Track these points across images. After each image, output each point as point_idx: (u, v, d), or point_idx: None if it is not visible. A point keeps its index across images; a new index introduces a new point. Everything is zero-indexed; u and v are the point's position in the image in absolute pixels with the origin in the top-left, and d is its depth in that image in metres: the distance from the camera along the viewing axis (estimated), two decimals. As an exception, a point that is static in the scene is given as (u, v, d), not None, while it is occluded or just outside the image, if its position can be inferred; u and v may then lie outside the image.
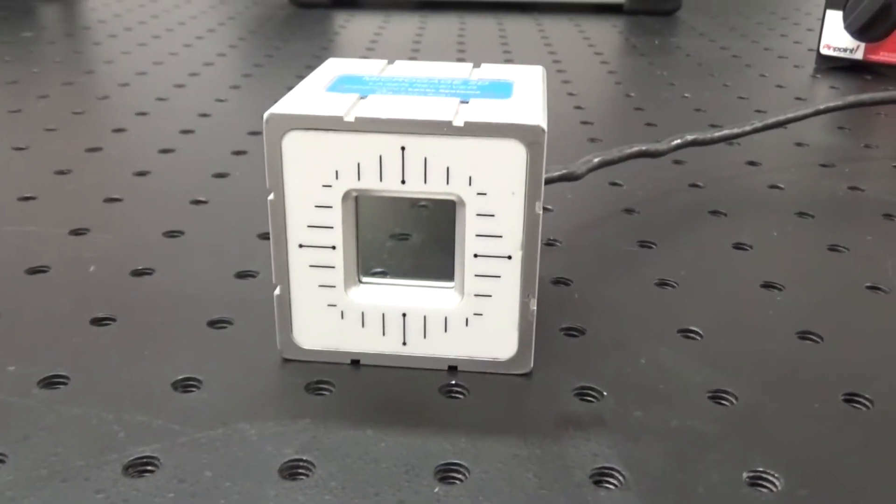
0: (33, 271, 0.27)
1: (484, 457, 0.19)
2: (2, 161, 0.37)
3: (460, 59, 0.59)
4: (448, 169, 0.20)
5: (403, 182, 0.21)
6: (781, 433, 0.20)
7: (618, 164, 0.33)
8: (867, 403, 0.21)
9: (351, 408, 0.21)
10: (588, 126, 0.44)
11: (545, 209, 0.33)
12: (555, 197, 0.33)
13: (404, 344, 0.22)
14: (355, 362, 0.23)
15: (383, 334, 0.22)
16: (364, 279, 0.22)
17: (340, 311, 0.22)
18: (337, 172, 0.21)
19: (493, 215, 0.21)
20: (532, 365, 0.22)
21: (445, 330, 0.22)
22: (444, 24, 0.71)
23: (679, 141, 0.34)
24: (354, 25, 0.71)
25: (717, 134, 0.36)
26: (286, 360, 0.23)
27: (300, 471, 0.19)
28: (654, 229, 0.31)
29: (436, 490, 0.18)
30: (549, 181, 0.29)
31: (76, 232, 0.30)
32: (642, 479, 0.19)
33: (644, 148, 0.33)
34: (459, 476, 0.19)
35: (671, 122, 0.45)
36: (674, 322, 0.25)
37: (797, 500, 0.18)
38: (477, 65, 0.26)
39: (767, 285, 0.27)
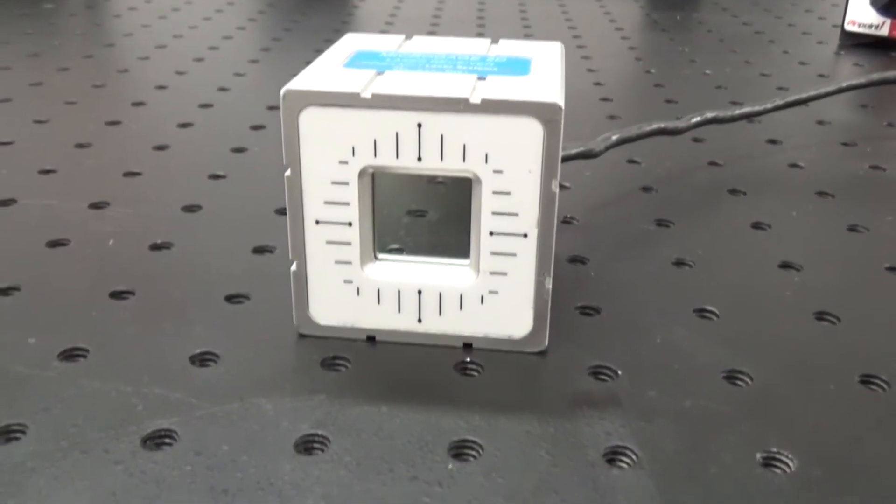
0: (53, 244, 0.27)
1: (498, 434, 0.19)
2: (23, 134, 0.37)
3: (479, 35, 0.58)
4: (464, 146, 0.20)
5: (420, 159, 0.21)
6: (796, 414, 0.20)
7: (636, 142, 0.33)
8: (883, 385, 0.21)
9: (366, 384, 0.21)
10: (607, 103, 0.44)
11: (562, 187, 0.33)
12: (573, 174, 0.33)
13: (419, 321, 0.22)
14: (371, 339, 0.23)
15: (399, 311, 0.22)
16: (380, 256, 0.22)
17: (356, 287, 0.22)
18: (353, 149, 0.21)
19: (509, 193, 0.21)
20: (547, 343, 0.22)
21: (461, 307, 0.22)
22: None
23: (699, 118, 0.34)
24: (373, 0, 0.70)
25: (738, 111, 0.36)
26: (302, 336, 0.23)
27: (315, 445, 0.19)
28: (671, 208, 0.31)
29: (449, 466, 0.18)
30: (566, 158, 0.29)
31: (96, 206, 0.30)
32: (655, 458, 0.19)
33: (663, 125, 0.33)
34: (473, 453, 0.19)
35: (691, 99, 0.44)
36: (690, 301, 0.25)
37: (811, 481, 0.18)
38: (495, 41, 0.25)
39: (785, 265, 0.27)
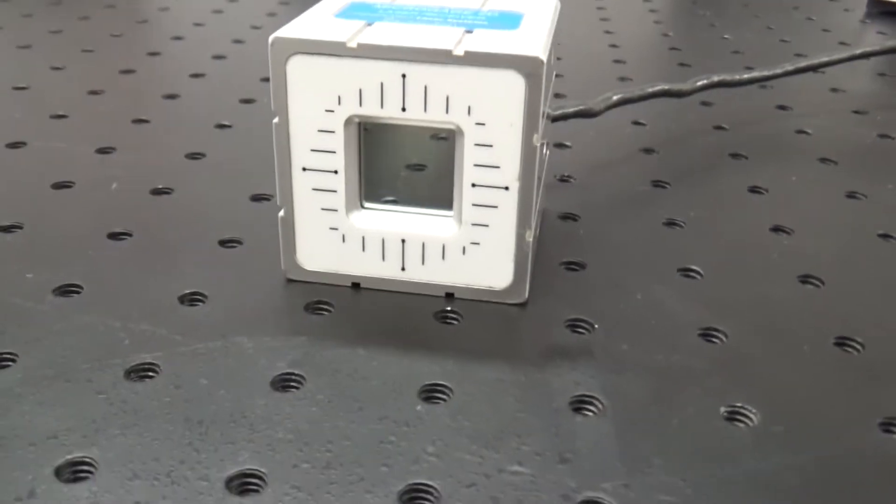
0: (59, 186, 0.28)
1: (469, 380, 0.20)
2: (39, 79, 0.38)
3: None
4: (447, 98, 0.21)
5: (404, 109, 0.21)
6: (765, 372, 0.20)
7: (643, 104, 0.33)
8: (858, 348, 0.22)
9: (347, 328, 0.22)
10: (620, 65, 0.43)
11: (563, 145, 0.33)
12: (574, 134, 0.33)
13: (403, 269, 0.23)
14: (356, 285, 0.23)
15: (383, 259, 0.23)
16: (367, 205, 0.23)
17: (342, 234, 0.23)
18: (339, 98, 0.21)
19: (491, 146, 0.21)
20: (527, 295, 0.23)
21: (443, 257, 0.22)
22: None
23: (704, 81, 0.34)
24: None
25: (746, 76, 0.35)
26: (290, 281, 0.23)
27: (291, 384, 0.20)
28: (670, 170, 0.31)
29: (418, 408, 0.19)
30: (564, 117, 0.29)
31: (103, 150, 0.31)
32: (619, 408, 0.19)
33: (667, 87, 0.33)
34: (443, 396, 0.19)
35: (705, 63, 0.44)
36: (676, 261, 0.25)
37: (771, 435, 0.18)
38: (492, -5, 0.25)
39: (776, 229, 0.27)
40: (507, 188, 0.21)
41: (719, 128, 0.36)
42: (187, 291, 0.23)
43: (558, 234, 0.26)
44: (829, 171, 0.32)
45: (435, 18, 0.23)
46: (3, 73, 0.38)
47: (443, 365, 0.20)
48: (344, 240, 0.23)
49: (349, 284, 0.23)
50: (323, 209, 0.22)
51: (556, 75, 0.40)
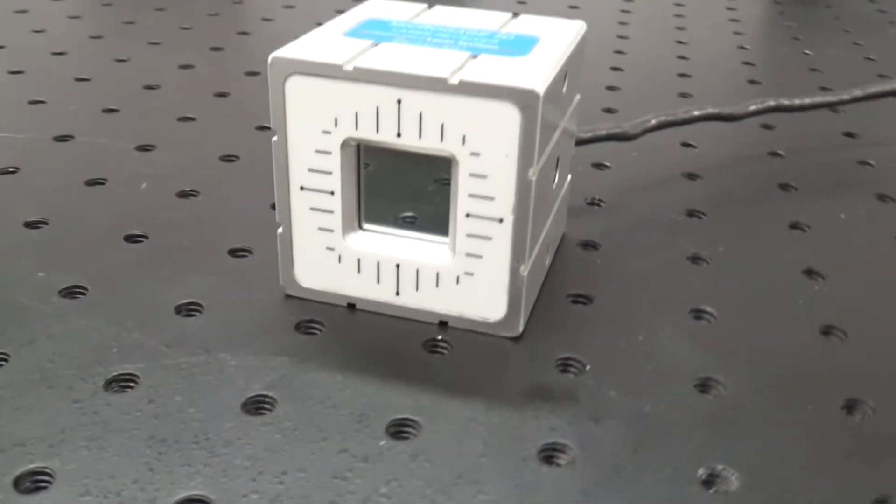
0: (91, 183, 0.29)
1: (441, 417, 0.19)
2: (101, 72, 0.39)
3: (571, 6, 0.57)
4: (442, 126, 0.20)
5: (399, 135, 0.21)
6: (758, 431, 0.19)
7: (693, 125, 0.32)
8: (868, 413, 0.20)
9: (332, 351, 0.21)
10: (684, 80, 0.42)
11: (601, 166, 0.32)
12: (615, 154, 0.32)
13: (398, 294, 0.22)
14: (351, 306, 0.23)
15: (378, 282, 0.22)
16: (366, 226, 0.23)
17: (338, 254, 0.22)
18: (336, 119, 0.21)
19: (485, 177, 0.20)
20: (521, 329, 0.22)
21: (437, 285, 0.22)
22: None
23: (758, 106, 0.32)
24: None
25: (807, 101, 0.33)
26: (288, 297, 0.23)
27: (263, 406, 0.19)
28: (710, 198, 0.30)
29: (381, 443, 0.19)
30: (595, 140, 0.28)
31: (142, 148, 0.32)
32: (592, 460, 0.18)
33: (716, 111, 0.31)
34: (411, 432, 0.19)
35: (777, 81, 0.42)
36: (691, 300, 0.24)
37: (747, 505, 0.17)
38: (517, 15, 0.25)
39: (809, 272, 0.26)
40: (501, 220, 0.21)
41: (774, 154, 0.34)
42: (185, 301, 0.23)
43: (573, 262, 0.26)
44: (885, 209, 0.30)
45: (446, 41, 0.22)
46: (68, 64, 0.40)
47: (418, 398, 0.20)
48: (340, 260, 0.22)
49: (345, 304, 0.23)
50: (320, 229, 0.22)
51: (611, 88, 0.39)
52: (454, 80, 0.20)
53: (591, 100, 0.38)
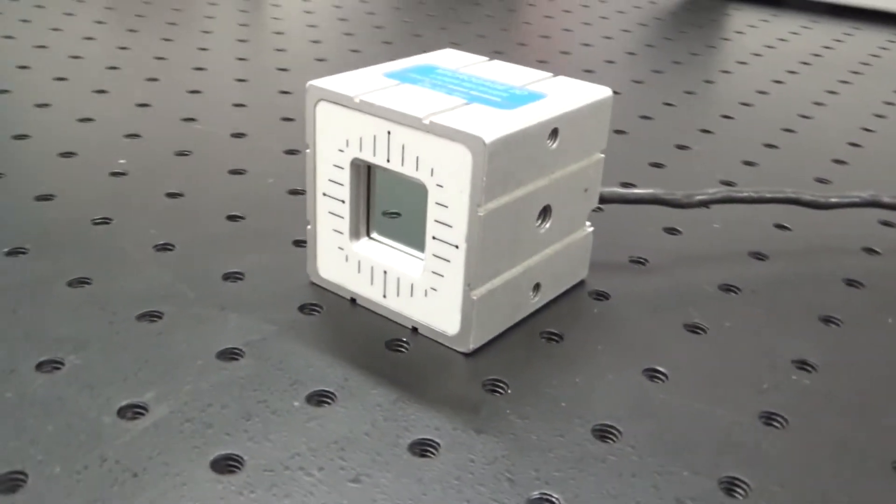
0: (234, 172, 0.36)
1: (356, 397, 0.23)
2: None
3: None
4: (418, 158, 0.24)
5: (388, 160, 0.24)
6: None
7: (794, 208, 0.32)
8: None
9: (315, 330, 0.26)
10: (837, 165, 0.41)
11: (674, 230, 0.33)
12: (693, 222, 0.33)
13: (384, 297, 0.26)
14: (353, 300, 0.27)
15: (371, 284, 0.26)
16: (374, 235, 0.27)
17: (345, 255, 0.27)
18: (347, 141, 0.25)
19: (447, 206, 0.24)
20: (471, 346, 0.25)
21: (411, 294, 0.26)
22: (867, 39, 0.67)
23: (849, 198, 0.32)
24: (767, 28, 0.69)
25: (917, 202, 0.32)
26: (312, 284, 0.28)
27: (233, 355, 0.24)
28: (756, 278, 0.30)
29: (295, 404, 0.23)
30: (636, 200, 0.30)
31: (290, 152, 0.38)
32: (450, 462, 0.21)
33: (795, 196, 0.31)
34: (326, 402, 0.23)
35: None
36: (650, 360, 0.25)
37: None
38: (556, 75, 0.28)
39: (801, 362, 0.26)
40: (457, 246, 0.24)
41: (870, 250, 0.33)
42: (233, 270, 0.28)
43: (572, 306, 0.28)
44: (950, 324, 0.28)
45: (461, 89, 0.26)
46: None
47: (350, 379, 0.24)
48: (346, 260, 0.27)
49: (349, 298, 0.27)
50: (334, 230, 0.27)
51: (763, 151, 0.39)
52: (427, 121, 0.23)
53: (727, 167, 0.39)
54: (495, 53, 0.56)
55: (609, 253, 0.31)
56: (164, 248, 0.30)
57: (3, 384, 0.22)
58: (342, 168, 0.26)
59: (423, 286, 0.25)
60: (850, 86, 0.55)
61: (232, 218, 0.32)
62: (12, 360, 0.23)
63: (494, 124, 0.23)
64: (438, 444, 0.22)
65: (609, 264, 0.30)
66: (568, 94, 0.26)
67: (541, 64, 0.55)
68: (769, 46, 0.64)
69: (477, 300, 0.24)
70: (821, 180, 0.39)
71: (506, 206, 0.24)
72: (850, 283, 0.30)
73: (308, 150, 0.26)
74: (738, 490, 0.21)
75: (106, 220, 0.31)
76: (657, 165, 0.40)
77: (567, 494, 0.20)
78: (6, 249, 0.29)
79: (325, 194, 0.26)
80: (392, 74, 0.27)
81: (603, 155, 0.28)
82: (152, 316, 0.26)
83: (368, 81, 0.26)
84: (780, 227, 0.34)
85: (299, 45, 0.56)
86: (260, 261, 0.29)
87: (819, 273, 0.31)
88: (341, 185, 0.26)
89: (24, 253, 0.29)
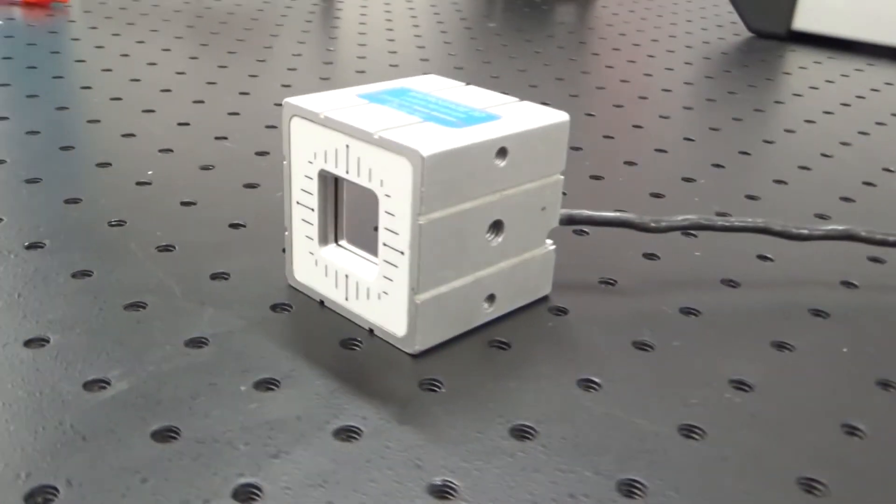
0: (248, 186, 0.39)
1: (299, 385, 0.25)
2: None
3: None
4: (370, 169, 0.26)
5: (347, 172, 0.27)
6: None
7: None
8: None
9: (279, 326, 0.28)
10: (843, 203, 0.41)
11: (653, 256, 0.34)
12: (675, 250, 0.34)
13: (346, 299, 0.28)
14: (321, 303, 0.29)
15: (336, 287, 0.28)
16: (342, 243, 0.29)
17: (315, 259, 0.29)
18: (315, 154, 0.27)
19: (394, 215, 0.26)
20: (417, 348, 0.26)
21: (367, 297, 0.27)
22: None
23: (824, 230, 0.32)
24: (822, 69, 0.69)
25: (890, 237, 0.32)
26: (289, 286, 0.30)
27: (200, 343, 0.27)
28: (723, 306, 0.31)
29: (242, 388, 0.25)
30: (607, 223, 0.31)
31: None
32: (369, 448, 0.23)
33: (762, 224, 0.32)
34: (271, 388, 0.25)
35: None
36: (588, 372, 0.26)
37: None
38: (521, 101, 0.29)
39: (739, 383, 0.26)
40: (403, 253, 0.26)
41: (848, 284, 0.33)
42: (220, 271, 0.31)
43: (527, 319, 0.29)
44: (908, 356, 0.28)
45: (423, 109, 0.28)
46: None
47: (298, 370, 0.26)
48: (316, 264, 0.29)
49: (318, 300, 0.29)
50: (306, 236, 0.29)
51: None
52: (377, 136, 0.25)
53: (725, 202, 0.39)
54: (571, 98, 0.57)
55: (581, 273, 0.32)
56: (166, 248, 0.33)
57: (-10, 355, 0.25)
58: (311, 178, 0.28)
59: (376, 290, 0.27)
60: None
61: (234, 226, 0.35)
62: (6, 336, 0.26)
63: (436, 140, 0.25)
64: (361, 430, 0.23)
65: (577, 283, 0.32)
66: (522, 117, 0.28)
67: (616, 108, 0.56)
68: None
69: (421, 304, 0.26)
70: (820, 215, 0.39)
71: (450, 216, 0.26)
72: (817, 312, 0.31)
73: (285, 162, 0.29)
74: (636, 491, 0.22)
75: (121, 223, 0.34)
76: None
77: (467, 482, 0.22)
78: (26, 243, 0.32)
79: (298, 203, 0.29)
80: (365, 95, 0.29)
81: (562, 176, 0.29)
82: (137, 306, 0.29)
83: (339, 100, 0.28)
84: (763, 257, 0.35)
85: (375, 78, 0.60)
86: (248, 264, 0.32)
87: (787, 303, 0.31)
88: (311, 194, 0.28)
89: (41, 247, 0.32)
